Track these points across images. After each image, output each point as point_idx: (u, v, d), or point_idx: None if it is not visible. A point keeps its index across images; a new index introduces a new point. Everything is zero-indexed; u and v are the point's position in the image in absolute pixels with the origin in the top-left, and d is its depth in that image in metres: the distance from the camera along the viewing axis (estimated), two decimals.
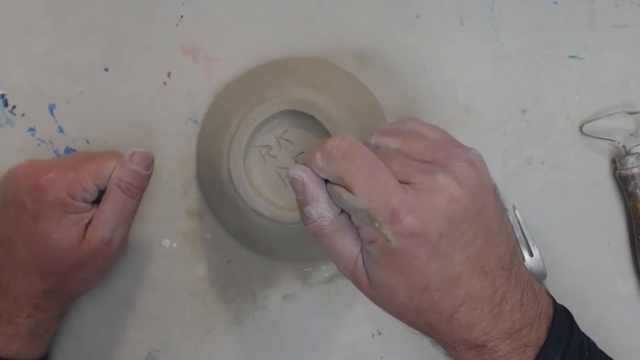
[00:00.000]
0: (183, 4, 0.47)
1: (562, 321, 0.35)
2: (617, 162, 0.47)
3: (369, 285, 0.33)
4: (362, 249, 0.33)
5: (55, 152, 0.47)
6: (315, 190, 0.33)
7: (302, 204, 0.34)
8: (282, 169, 0.43)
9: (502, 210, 0.34)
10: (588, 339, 0.36)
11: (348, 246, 0.33)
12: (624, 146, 0.47)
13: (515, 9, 0.48)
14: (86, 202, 0.40)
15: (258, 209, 0.42)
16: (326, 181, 0.34)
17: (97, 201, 0.41)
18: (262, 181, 0.43)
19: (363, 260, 0.33)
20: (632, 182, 0.46)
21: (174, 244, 0.47)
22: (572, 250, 0.48)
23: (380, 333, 0.48)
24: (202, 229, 0.47)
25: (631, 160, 0.46)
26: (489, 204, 0.33)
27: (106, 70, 0.47)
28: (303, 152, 0.43)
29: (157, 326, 0.47)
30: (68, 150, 0.47)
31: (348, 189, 0.32)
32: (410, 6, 0.47)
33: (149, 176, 0.42)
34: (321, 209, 0.33)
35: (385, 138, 0.35)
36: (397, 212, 0.30)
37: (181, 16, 0.47)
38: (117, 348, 0.47)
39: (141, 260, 0.47)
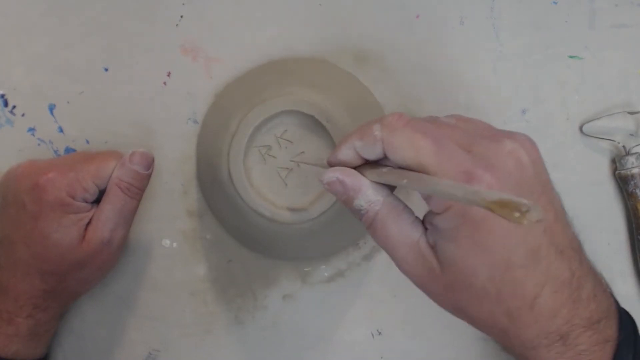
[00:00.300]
0: (183, 4, 0.47)
1: (627, 320, 0.34)
2: (617, 162, 0.47)
3: (441, 271, 0.30)
4: (423, 233, 0.31)
5: (55, 152, 0.47)
6: (354, 182, 0.32)
7: (349, 202, 0.33)
8: (282, 169, 0.43)
9: (560, 198, 0.33)
10: None
11: (405, 230, 0.31)
12: (624, 146, 0.47)
13: (515, 9, 0.48)
14: (86, 202, 0.40)
15: (258, 209, 0.42)
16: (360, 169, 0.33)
17: (97, 201, 0.41)
18: (262, 181, 0.43)
19: (428, 244, 0.31)
20: (632, 182, 0.46)
21: (174, 244, 0.47)
22: None
23: (380, 333, 0.48)
24: (202, 229, 0.47)
25: (631, 160, 0.46)
26: (549, 182, 0.32)
27: (106, 70, 0.47)
28: (303, 152, 0.43)
29: (157, 326, 0.47)
30: (68, 150, 0.47)
31: (413, 160, 0.30)
32: (410, 6, 0.47)
33: (149, 176, 0.42)
34: (368, 196, 0.32)
35: (438, 118, 0.34)
36: (472, 170, 0.29)
37: (181, 16, 0.47)
38: (117, 348, 0.47)
39: (141, 260, 0.47)
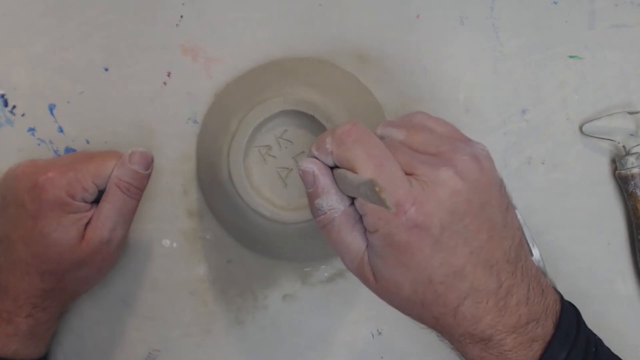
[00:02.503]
0: (183, 4, 0.47)
1: (569, 317, 0.35)
2: (617, 162, 0.47)
3: (375, 280, 0.34)
4: (367, 246, 0.34)
5: (55, 152, 0.47)
6: (326, 182, 0.33)
7: (312, 196, 0.34)
8: (282, 169, 0.43)
9: (508, 205, 0.34)
10: (595, 335, 0.36)
11: (356, 240, 0.34)
12: (624, 146, 0.47)
13: (515, 9, 0.48)
14: (86, 201, 0.40)
15: (258, 209, 0.42)
16: (332, 169, 0.34)
17: (96, 201, 0.41)
18: (262, 181, 0.43)
19: (369, 256, 0.34)
20: (632, 182, 0.46)
21: (174, 244, 0.47)
22: (572, 250, 0.48)
23: (380, 333, 0.48)
24: (202, 229, 0.47)
25: (631, 160, 0.46)
26: (492, 197, 0.33)
27: (106, 70, 0.47)
28: (303, 152, 0.43)
29: (157, 326, 0.47)
30: (68, 150, 0.47)
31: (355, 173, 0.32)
32: (410, 6, 0.47)
33: (148, 176, 0.42)
34: (332, 201, 0.33)
35: (390, 129, 0.35)
36: (402, 203, 0.31)
37: (181, 16, 0.47)
38: (117, 348, 0.47)
39: (141, 260, 0.47)
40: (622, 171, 0.46)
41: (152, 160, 0.42)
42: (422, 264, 0.32)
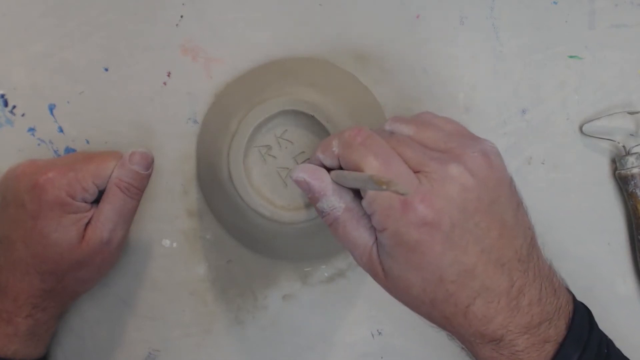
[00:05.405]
0: (183, 4, 0.47)
1: (581, 318, 0.35)
2: (617, 162, 0.47)
3: (384, 276, 0.33)
4: (376, 240, 0.33)
5: (55, 152, 0.47)
6: (320, 186, 0.34)
7: (313, 201, 0.35)
8: (282, 169, 0.43)
9: (519, 202, 0.34)
10: (606, 336, 0.36)
11: (362, 235, 0.34)
12: (624, 146, 0.47)
13: (515, 9, 0.48)
14: (86, 202, 0.40)
15: (258, 209, 0.42)
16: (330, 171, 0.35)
17: (96, 201, 0.41)
18: (262, 181, 0.43)
19: (377, 252, 0.33)
20: (632, 182, 0.46)
21: (174, 244, 0.47)
22: (572, 250, 0.48)
23: (380, 333, 0.48)
24: (202, 229, 0.47)
25: (631, 160, 0.46)
26: (503, 195, 0.33)
27: (106, 70, 0.47)
28: (303, 152, 0.43)
29: (157, 326, 0.47)
30: (68, 150, 0.47)
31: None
32: (410, 6, 0.47)
33: (148, 176, 0.42)
34: (331, 202, 0.34)
35: (399, 125, 0.35)
36: (410, 201, 0.31)
37: (181, 16, 0.47)
38: (117, 348, 0.47)
39: (141, 260, 0.47)
40: (622, 171, 0.46)
41: (153, 161, 0.42)
42: (433, 263, 0.31)
